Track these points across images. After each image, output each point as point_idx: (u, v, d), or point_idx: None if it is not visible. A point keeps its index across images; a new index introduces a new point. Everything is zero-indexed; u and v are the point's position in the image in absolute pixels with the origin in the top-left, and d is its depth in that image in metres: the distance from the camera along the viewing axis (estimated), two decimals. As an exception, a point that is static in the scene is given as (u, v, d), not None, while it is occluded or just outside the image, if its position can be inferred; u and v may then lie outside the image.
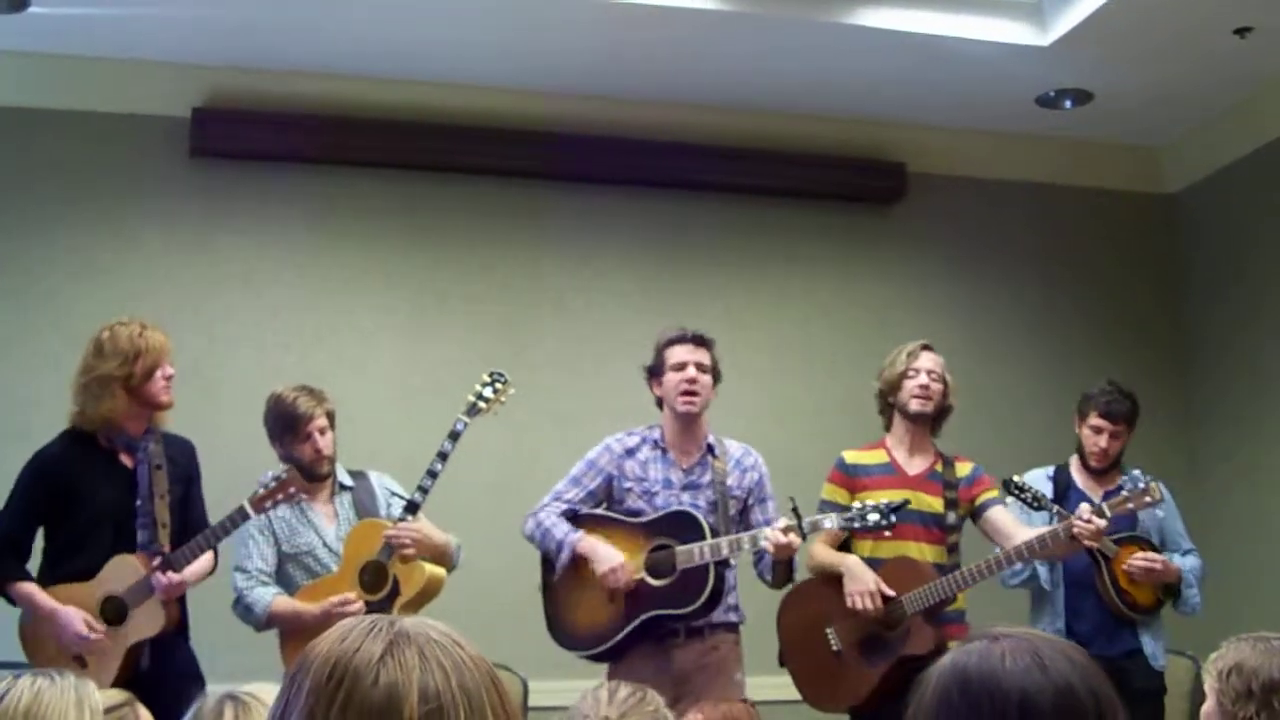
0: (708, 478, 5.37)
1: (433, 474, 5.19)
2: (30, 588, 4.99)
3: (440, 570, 5.26)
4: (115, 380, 5.02)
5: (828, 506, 5.53)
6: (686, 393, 5.30)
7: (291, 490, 5.02)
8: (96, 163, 6.72)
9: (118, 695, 3.34)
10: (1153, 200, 8.19)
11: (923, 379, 5.60)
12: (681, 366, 5.31)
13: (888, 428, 5.73)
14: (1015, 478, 5.57)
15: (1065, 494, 5.73)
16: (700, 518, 5.18)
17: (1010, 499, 5.55)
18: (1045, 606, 5.76)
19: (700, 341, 5.38)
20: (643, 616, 5.15)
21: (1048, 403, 7.56)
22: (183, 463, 5.23)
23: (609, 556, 5.18)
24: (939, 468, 5.62)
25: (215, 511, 5.18)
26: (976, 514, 5.57)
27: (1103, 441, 5.81)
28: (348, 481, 5.47)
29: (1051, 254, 7.96)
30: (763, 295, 7.52)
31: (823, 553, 5.53)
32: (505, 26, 6.49)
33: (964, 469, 5.63)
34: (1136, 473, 5.38)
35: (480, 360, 6.68)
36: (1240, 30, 6.50)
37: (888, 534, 5.23)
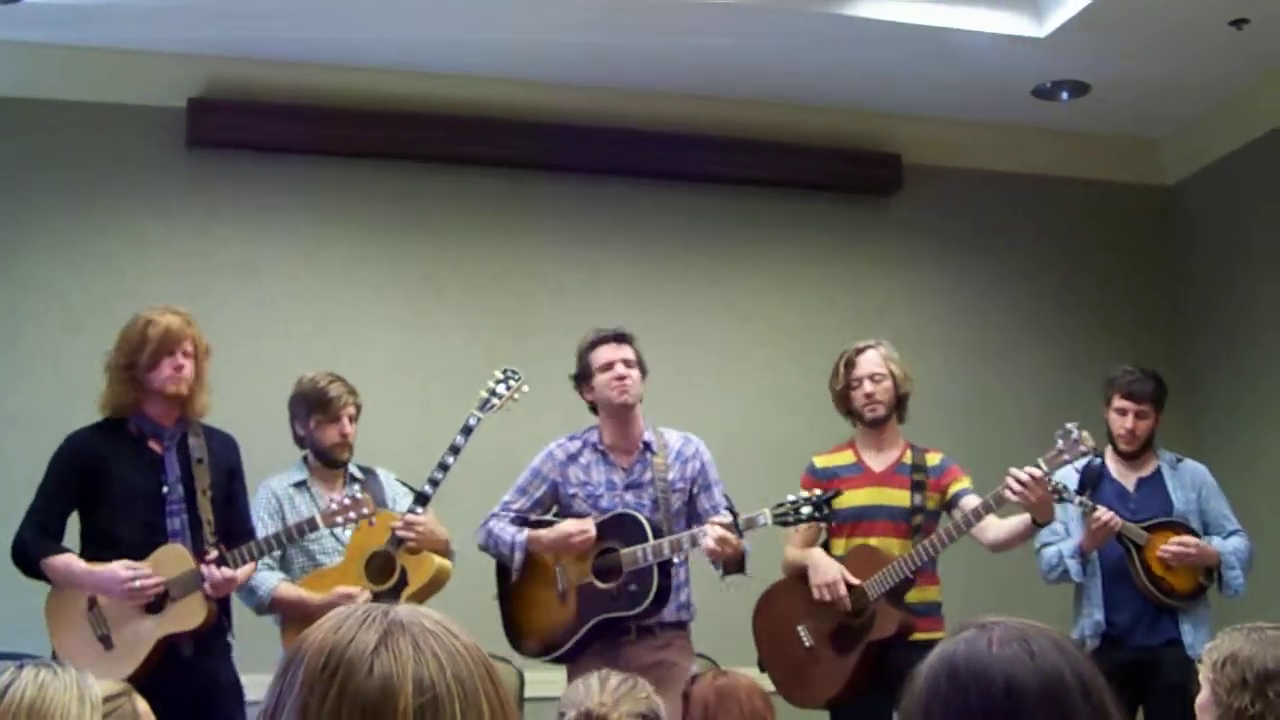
0: (648, 475, 5.42)
1: (444, 467, 5.22)
2: (68, 557, 4.90)
3: (448, 563, 5.30)
4: (121, 368, 5.02)
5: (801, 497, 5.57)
6: (618, 386, 5.35)
7: (365, 510, 5.06)
8: (93, 153, 6.72)
9: (115, 686, 3.35)
10: (1149, 191, 8.19)
11: (866, 387, 5.60)
12: (609, 365, 5.37)
13: (854, 426, 5.74)
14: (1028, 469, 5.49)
15: (1098, 483, 5.67)
16: (642, 518, 5.24)
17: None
18: (1083, 600, 5.72)
19: (622, 338, 5.45)
20: (595, 619, 5.22)
21: (1045, 393, 7.58)
22: (224, 456, 5.19)
23: (562, 530, 5.27)
24: (907, 458, 5.61)
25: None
26: (950, 504, 5.55)
27: (1128, 423, 5.76)
28: (359, 474, 5.50)
29: (1048, 245, 7.97)
30: (761, 285, 7.52)
31: (791, 552, 5.60)
32: (503, 17, 6.49)
33: (934, 459, 5.63)
34: (1069, 425, 5.23)
35: (477, 350, 6.71)
36: (1236, 22, 6.50)
37: (823, 525, 5.35)
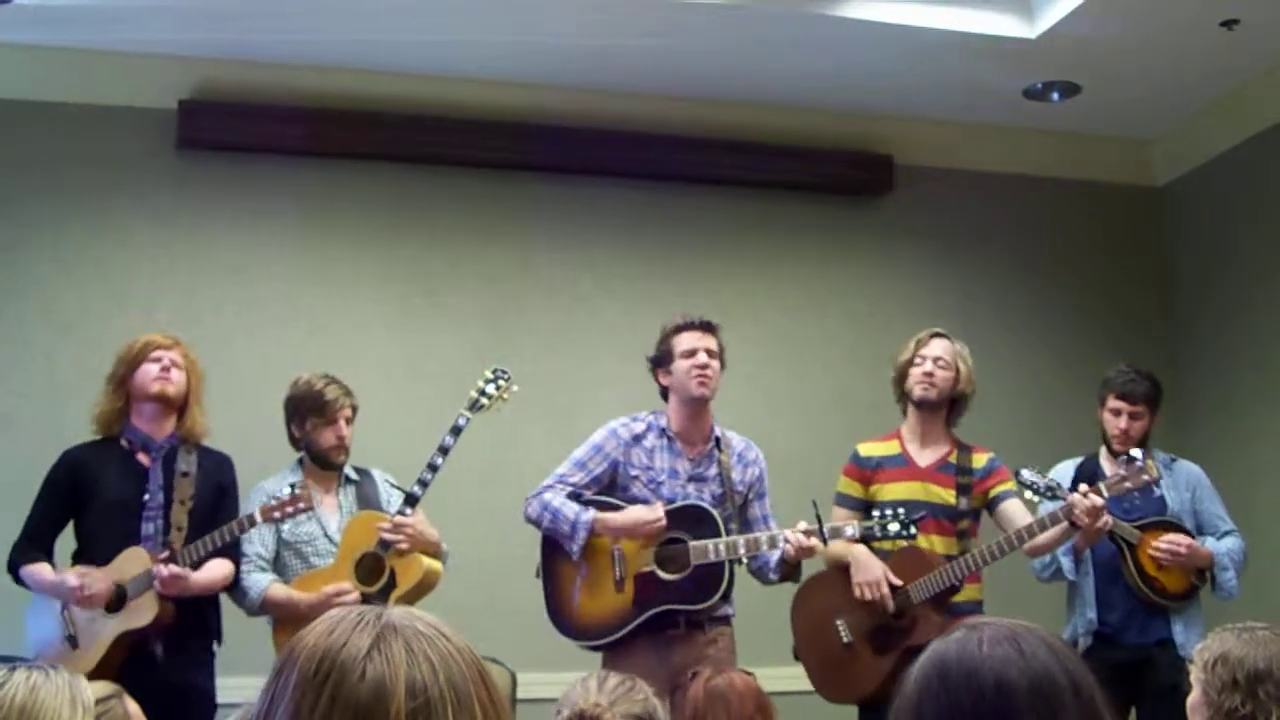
0: (714, 470, 5.35)
1: (433, 468, 5.21)
2: (39, 565, 5.16)
3: (437, 564, 5.29)
4: (111, 379, 5.24)
5: (843, 499, 5.60)
6: (700, 376, 5.28)
7: (302, 505, 5.10)
8: (84, 155, 6.70)
9: (106, 688, 3.35)
10: (1140, 192, 8.20)
11: (928, 366, 5.59)
12: (692, 353, 5.29)
13: (904, 415, 5.73)
14: (1024, 471, 5.49)
15: (1092, 482, 5.69)
16: (715, 514, 5.18)
17: (1027, 493, 5.47)
18: (1076, 598, 5.73)
19: (709, 328, 5.37)
20: (654, 609, 5.14)
21: (1036, 394, 7.60)
22: (214, 473, 5.32)
23: (633, 514, 5.18)
24: (953, 458, 5.60)
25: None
26: (991, 506, 5.55)
27: (1122, 423, 5.76)
28: (354, 476, 5.52)
29: (1040, 246, 7.97)
30: (752, 287, 7.52)
31: (835, 545, 5.49)
32: (495, 19, 6.48)
33: (980, 459, 5.61)
34: (1135, 452, 5.32)
35: (469, 352, 6.71)
36: (1227, 22, 6.50)
37: (905, 542, 5.27)
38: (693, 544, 5.13)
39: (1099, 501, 5.18)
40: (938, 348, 5.64)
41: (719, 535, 5.13)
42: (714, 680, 3.84)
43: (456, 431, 5.28)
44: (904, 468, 5.59)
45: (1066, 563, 5.71)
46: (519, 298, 7.18)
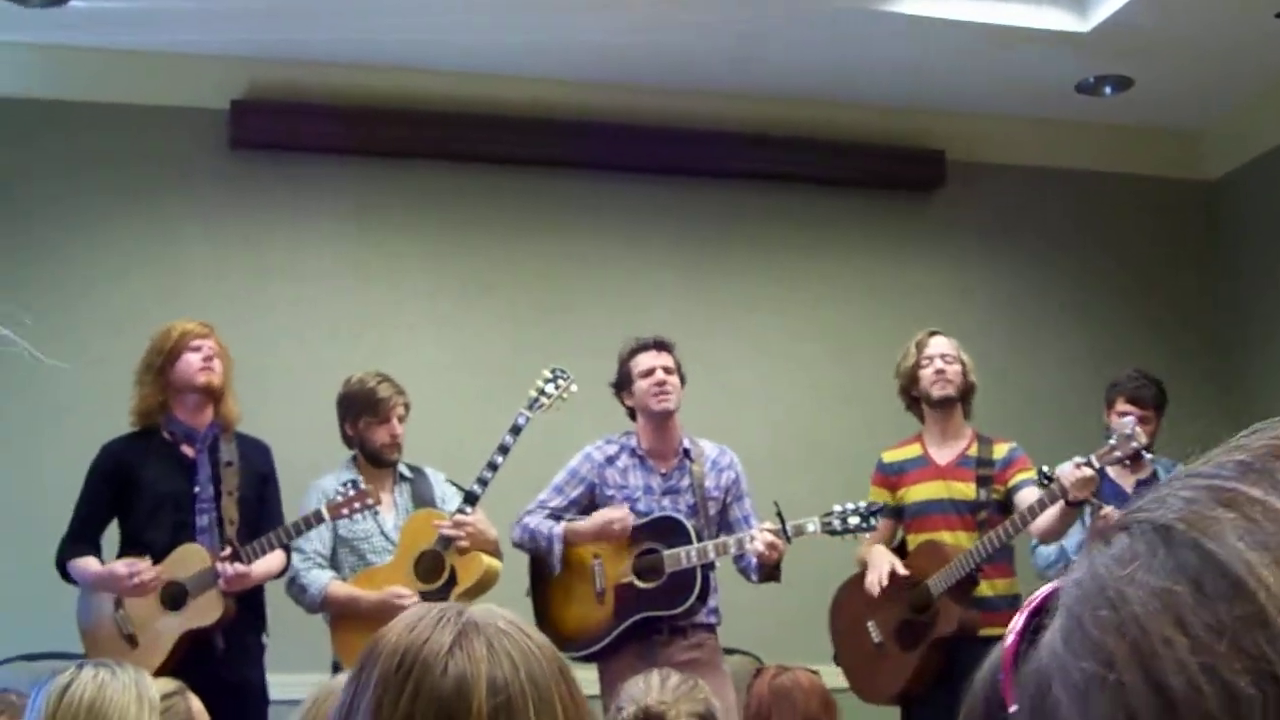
0: (686, 481, 5.50)
1: (492, 466, 5.26)
2: (86, 560, 5.13)
3: (497, 563, 5.32)
4: (146, 372, 5.23)
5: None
6: (659, 393, 5.41)
7: (369, 501, 5.12)
8: (136, 155, 6.74)
9: (170, 684, 3.39)
10: (1191, 186, 8.14)
11: (938, 364, 5.61)
12: (649, 372, 5.44)
13: (920, 419, 5.74)
14: (1045, 468, 5.50)
15: (1099, 485, 5.68)
16: (686, 523, 5.33)
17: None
18: None
19: (662, 346, 5.52)
20: (634, 617, 5.29)
21: (1087, 390, 7.52)
22: (257, 461, 5.34)
23: (600, 517, 5.36)
24: (973, 450, 5.61)
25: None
26: (1010, 495, 5.55)
27: None
28: (408, 474, 5.54)
29: (1091, 241, 7.93)
30: (802, 283, 7.51)
31: (862, 548, 5.62)
32: (543, 16, 6.50)
33: (1001, 450, 5.63)
34: (1126, 420, 5.31)
35: (519, 350, 6.72)
36: (1281, 13, 6.47)
37: (866, 535, 5.37)
38: (666, 553, 5.28)
39: (1088, 473, 5.13)
40: (939, 344, 5.68)
41: (691, 543, 5.27)
42: (779, 678, 3.84)
43: (516, 430, 5.31)
44: (925, 468, 5.62)
45: (1074, 556, 5.70)
46: (570, 295, 7.19)
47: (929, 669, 5.34)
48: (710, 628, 5.42)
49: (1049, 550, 5.76)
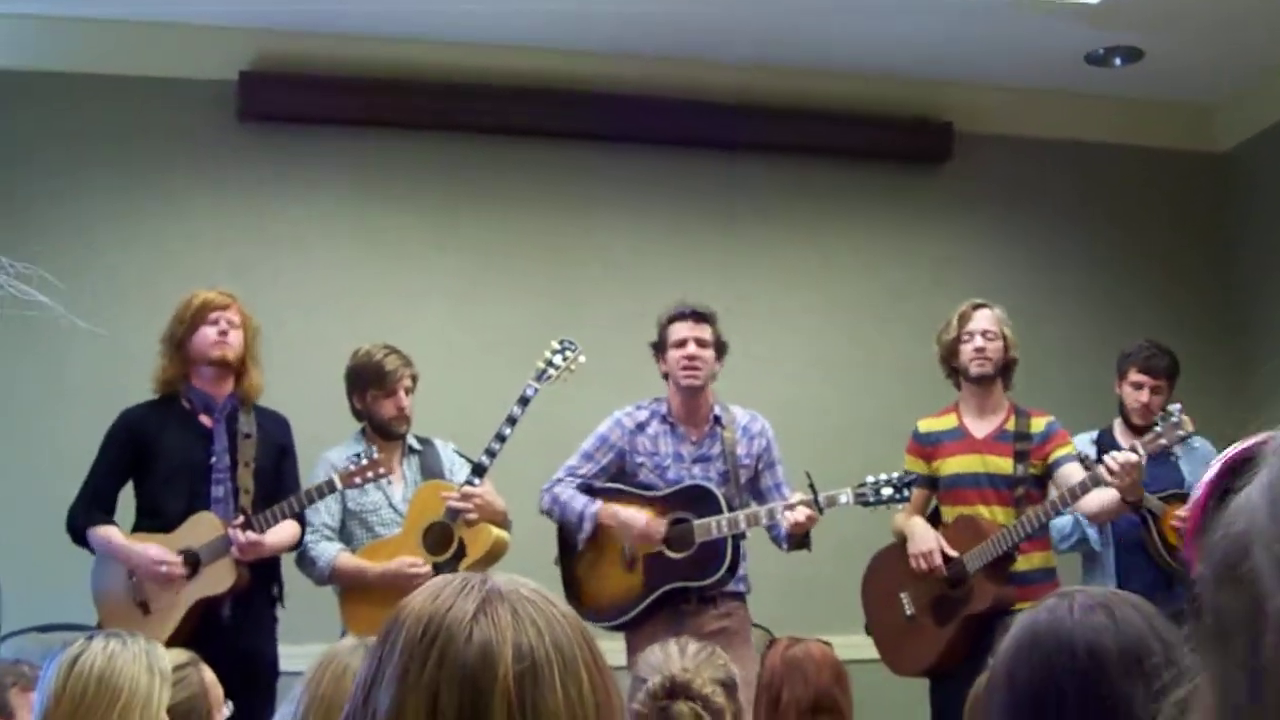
0: (717, 449, 5.46)
1: (501, 438, 5.25)
2: (109, 529, 5.14)
3: (505, 534, 5.32)
4: (169, 340, 5.22)
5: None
6: (688, 368, 5.37)
7: (381, 470, 5.12)
8: (144, 127, 6.73)
9: (182, 655, 3.39)
10: (1203, 158, 8.12)
11: (978, 341, 5.58)
12: (682, 343, 5.40)
13: (958, 388, 5.72)
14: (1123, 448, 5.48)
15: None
16: (716, 492, 5.30)
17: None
18: (1096, 568, 5.75)
19: (700, 317, 5.45)
20: (664, 588, 5.27)
21: (1097, 364, 7.50)
22: (275, 433, 5.35)
23: (633, 517, 5.30)
24: (1011, 425, 5.59)
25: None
26: (1050, 471, 5.54)
27: (1144, 397, 5.79)
28: (416, 445, 5.53)
29: (1101, 214, 7.91)
30: (812, 254, 7.50)
31: (897, 519, 5.61)
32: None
33: (1039, 424, 5.60)
34: (1173, 407, 5.28)
35: (528, 321, 6.71)
36: (1295, -17, 6.43)
37: (900, 506, 5.35)
38: (696, 523, 5.25)
39: (1133, 458, 5.13)
40: (982, 319, 5.63)
41: (722, 512, 5.24)
42: (792, 649, 3.84)
43: (524, 402, 5.31)
44: (961, 441, 5.60)
45: (1093, 534, 5.74)
46: (579, 266, 7.18)
47: (961, 644, 5.33)
48: (740, 596, 5.41)
49: (1064, 521, 5.76)
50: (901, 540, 5.58)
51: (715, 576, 5.23)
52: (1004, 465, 5.51)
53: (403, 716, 1.31)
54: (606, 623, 5.32)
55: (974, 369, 5.58)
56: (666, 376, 5.50)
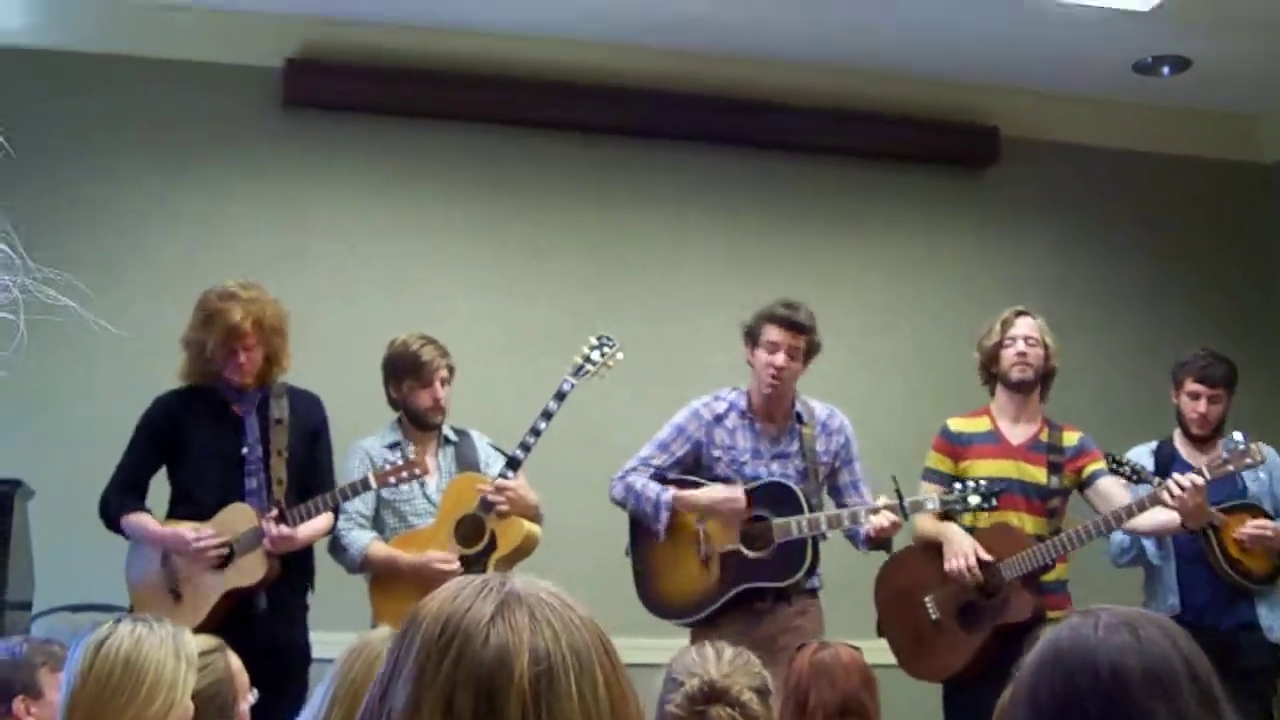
0: (795, 446, 5.38)
1: (536, 432, 5.24)
2: (143, 516, 5.15)
3: (537, 528, 5.31)
4: (193, 344, 5.18)
5: (931, 475, 5.57)
6: (773, 379, 5.29)
7: (417, 471, 5.11)
8: (189, 111, 6.75)
9: (209, 641, 3.40)
10: (1248, 169, 8.08)
11: (1020, 346, 5.54)
12: (774, 348, 5.29)
13: (992, 394, 5.68)
14: (1114, 454, 5.44)
15: (1169, 466, 5.58)
16: (797, 490, 5.22)
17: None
18: (1157, 583, 5.69)
19: (799, 329, 5.32)
20: (740, 587, 5.20)
21: (1137, 373, 7.49)
22: (307, 417, 5.32)
23: (712, 494, 5.24)
24: (1044, 436, 5.56)
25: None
26: (1085, 485, 5.51)
27: (1201, 407, 5.72)
28: (452, 436, 5.53)
29: (1143, 222, 7.88)
30: (852, 255, 7.48)
31: (925, 522, 5.53)
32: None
33: (1071, 438, 5.57)
34: (1237, 435, 5.26)
35: (565, 315, 6.71)
36: (1346, -6, 6.38)
37: (986, 512, 5.27)
38: (776, 521, 5.18)
39: (1199, 481, 5.14)
40: (1025, 326, 5.59)
41: (802, 512, 5.17)
42: (820, 653, 3.83)
43: (561, 396, 5.29)
44: (996, 445, 5.55)
45: (1150, 547, 5.68)
46: (615, 263, 7.18)
47: (991, 652, 5.28)
48: (814, 592, 5.35)
49: (1121, 536, 5.71)
50: (925, 543, 5.53)
51: (795, 578, 5.18)
52: (1038, 475, 5.47)
53: (418, 715, 1.30)
54: (680, 619, 5.27)
55: (1015, 374, 5.54)
56: (751, 366, 5.40)
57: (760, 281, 6.98)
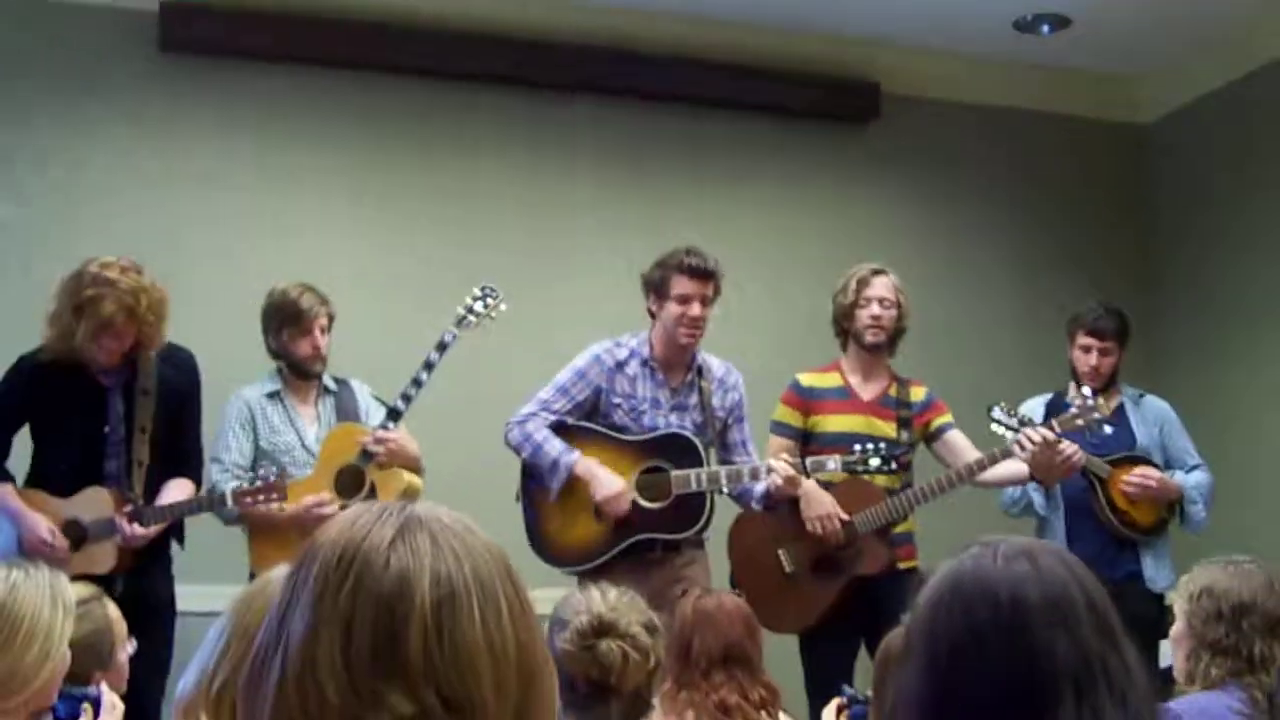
0: (694, 399, 5.37)
1: (417, 383, 5.19)
2: (6, 487, 5.01)
3: (418, 480, 5.26)
4: (60, 325, 4.93)
5: (780, 428, 5.59)
6: (689, 330, 5.26)
7: (276, 497, 4.99)
8: (64, 54, 6.58)
9: (87, 589, 3.34)
10: (1125, 129, 8.20)
11: (874, 310, 5.56)
12: (686, 300, 5.23)
13: (844, 349, 5.71)
14: (996, 409, 5.43)
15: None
16: (698, 444, 5.22)
17: (999, 429, 5.42)
18: (1047, 534, 5.74)
19: (709, 276, 5.28)
20: (634, 538, 5.19)
21: (1013, 326, 7.61)
22: (176, 381, 5.18)
23: (610, 482, 5.17)
24: (893, 391, 5.61)
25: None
26: (932, 438, 5.59)
27: (1093, 359, 5.80)
28: (332, 386, 5.46)
29: (1022, 179, 7.97)
30: (732, 210, 7.47)
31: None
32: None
33: (919, 393, 5.64)
34: (1086, 390, 5.36)
35: (450, 267, 6.65)
36: (1224, -44, 6.47)
37: (889, 474, 5.30)
38: (674, 473, 5.17)
39: (1049, 435, 5.22)
40: (881, 286, 5.60)
41: (701, 465, 5.17)
42: (703, 600, 3.84)
43: (443, 347, 5.25)
44: (847, 400, 5.59)
45: (1039, 498, 5.76)
46: (502, 214, 7.11)
47: (842, 603, 5.34)
48: (701, 544, 5.35)
49: (1014, 491, 5.79)
50: (778, 497, 5.55)
51: (691, 530, 5.19)
52: (888, 430, 5.51)
53: (316, 644, 1.27)
54: (571, 568, 5.22)
55: (869, 337, 5.57)
56: (653, 316, 5.35)
57: (643, 235, 6.98)
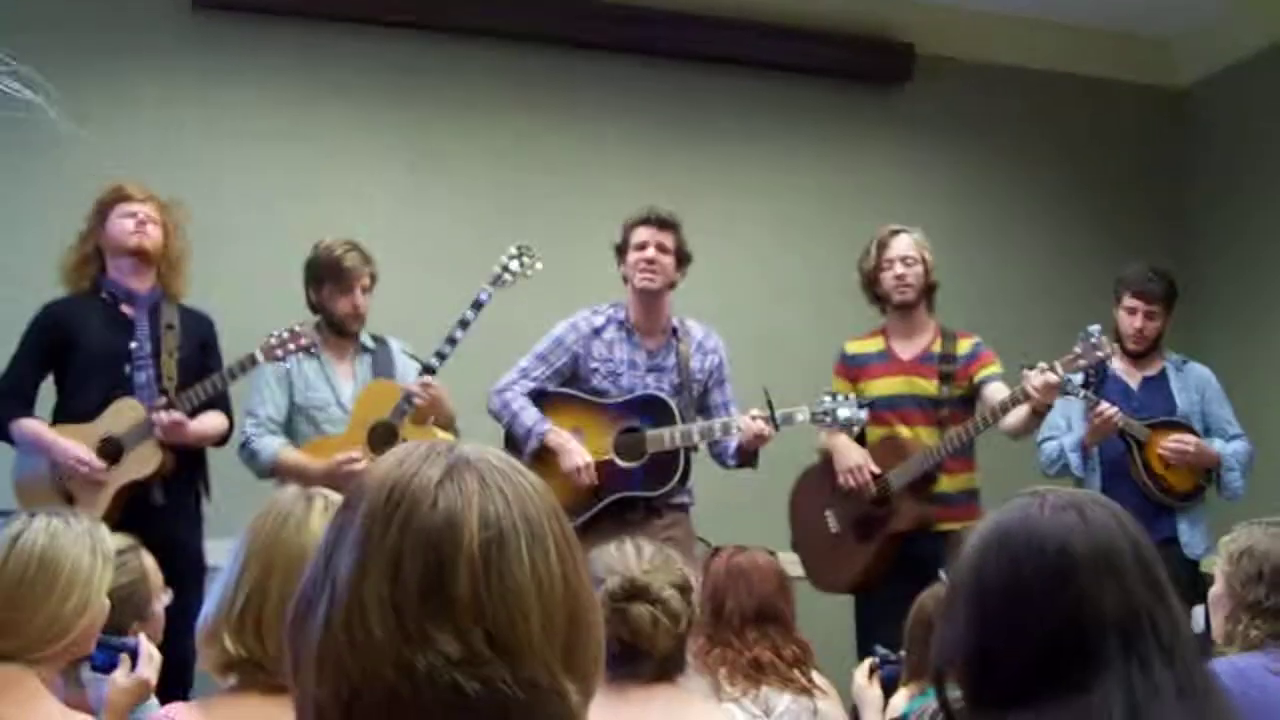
0: (671, 360, 5.45)
1: (452, 341, 5.22)
2: (33, 423, 5.07)
3: (451, 437, 5.25)
4: (81, 236, 5.16)
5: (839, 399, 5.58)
6: (645, 270, 5.35)
7: (304, 341, 5.06)
8: (96, 13, 6.57)
9: (124, 540, 3.35)
10: (1162, 93, 8.15)
11: (898, 269, 5.60)
12: (642, 246, 5.37)
13: (883, 313, 5.72)
14: (1034, 370, 5.42)
15: (1102, 380, 5.64)
16: (670, 402, 5.29)
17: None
18: None
19: (664, 224, 5.41)
20: (612, 497, 5.27)
21: (1047, 289, 7.57)
22: (196, 330, 5.26)
23: (576, 453, 5.25)
24: (937, 346, 5.62)
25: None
26: (976, 390, 5.57)
27: (1137, 322, 5.77)
28: (370, 344, 5.48)
29: (1058, 143, 7.92)
30: (764, 170, 7.45)
31: (822, 436, 5.62)
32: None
33: (965, 345, 5.64)
34: (1092, 327, 5.28)
35: (485, 227, 6.64)
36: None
37: (856, 429, 5.33)
38: (649, 433, 5.25)
39: (1052, 379, 5.17)
40: (901, 245, 5.64)
41: (675, 424, 5.24)
42: (736, 557, 3.84)
43: (478, 306, 5.27)
44: (887, 363, 5.63)
45: (1075, 459, 5.73)
46: (526, 173, 7.08)
47: (883, 562, 5.38)
48: (685, 508, 5.42)
49: (1051, 447, 5.79)
50: (827, 458, 5.59)
51: (667, 488, 5.25)
52: (929, 387, 5.54)
53: (364, 581, 1.26)
54: None
55: (896, 296, 5.60)
56: (626, 280, 5.48)
57: (670, 195, 6.93)
